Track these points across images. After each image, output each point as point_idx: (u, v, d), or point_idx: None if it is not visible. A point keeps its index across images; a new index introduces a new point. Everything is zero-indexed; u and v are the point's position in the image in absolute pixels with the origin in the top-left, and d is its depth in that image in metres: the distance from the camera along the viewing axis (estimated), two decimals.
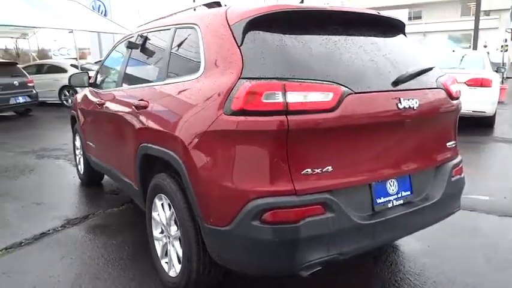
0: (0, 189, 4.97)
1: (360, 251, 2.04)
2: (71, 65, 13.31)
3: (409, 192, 2.26)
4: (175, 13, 2.96)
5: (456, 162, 2.50)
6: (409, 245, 3.10)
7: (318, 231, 1.86)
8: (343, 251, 1.96)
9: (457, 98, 2.45)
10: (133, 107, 2.75)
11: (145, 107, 2.58)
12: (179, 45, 2.53)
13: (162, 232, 2.58)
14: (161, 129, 2.35)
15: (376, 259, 2.89)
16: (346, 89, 1.90)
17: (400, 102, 2.04)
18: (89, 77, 4.19)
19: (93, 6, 19.36)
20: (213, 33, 2.19)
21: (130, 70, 3.22)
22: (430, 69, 2.31)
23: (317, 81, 1.86)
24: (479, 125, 8.05)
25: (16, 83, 10.43)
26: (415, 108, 2.10)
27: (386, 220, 2.10)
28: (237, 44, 1.99)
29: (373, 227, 2.03)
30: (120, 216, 3.89)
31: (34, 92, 11.09)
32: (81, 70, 11.40)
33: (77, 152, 4.99)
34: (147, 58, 3.04)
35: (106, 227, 3.59)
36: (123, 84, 3.24)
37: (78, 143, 4.89)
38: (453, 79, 2.48)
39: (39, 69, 13.60)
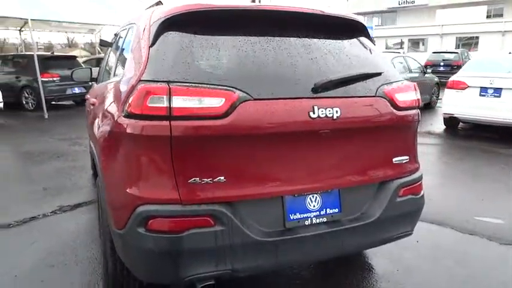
0: (23, 172, 5.44)
1: (260, 270, 1.91)
2: None
3: (336, 210, 2.06)
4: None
5: (406, 180, 2.22)
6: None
7: (204, 244, 1.77)
8: (235, 267, 1.84)
9: (406, 109, 2.18)
10: (90, 105, 2.83)
11: (94, 105, 2.64)
12: (124, 44, 2.54)
13: None
14: (91, 127, 2.38)
15: None
16: (244, 94, 1.77)
17: (313, 111, 1.86)
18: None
19: None
20: (137, 33, 2.17)
21: (105, 67, 3.31)
22: (368, 75, 2.07)
23: (211, 86, 1.75)
24: None
25: None
26: (334, 118, 1.90)
27: (298, 238, 1.93)
28: (148, 44, 1.95)
29: (276, 246, 1.88)
30: None
31: (90, 83, 11.87)
32: None
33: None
34: (113, 56, 3.10)
35: (92, 216, 3.74)
36: (99, 81, 3.35)
37: None
38: (406, 87, 2.21)
39: (98, 62, 14.55)
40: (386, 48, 28.89)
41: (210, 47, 1.89)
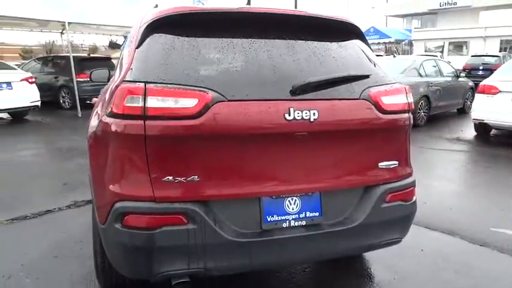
0: (50, 167, 5.73)
1: (234, 270, 1.92)
2: None
3: (317, 214, 2.04)
4: None
5: (394, 186, 2.16)
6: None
7: (176, 242, 1.80)
8: (208, 266, 1.86)
9: (394, 112, 2.12)
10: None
11: (93, 105, 2.75)
12: (124, 46, 2.63)
13: None
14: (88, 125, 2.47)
15: None
16: (218, 95, 1.79)
17: (289, 113, 1.85)
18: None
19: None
20: (130, 36, 2.25)
21: (116, 68, 3.43)
22: (352, 77, 2.04)
23: (186, 87, 1.78)
24: None
25: None
26: (312, 120, 1.88)
27: (275, 241, 1.93)
28: (135, 46, 2.01)
29: (250, 247, 1.89)
30: None
31: None
32: None
33: None
34: (119, 57, 3.21)
35: None
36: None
37: None
38: (395, 90, 2.14)
39: None
40: (425, 51, 28.02)
41: (190, 49, 1.93)
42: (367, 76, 2.09)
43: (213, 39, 1.99)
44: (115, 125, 1.81)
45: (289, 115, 1.85)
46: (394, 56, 10.62)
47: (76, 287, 2.58)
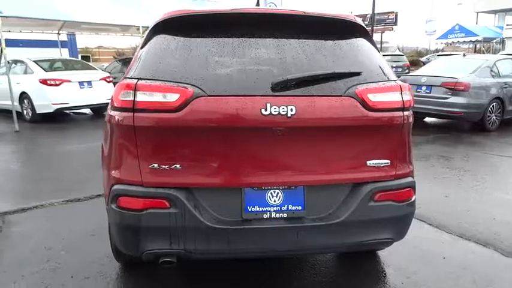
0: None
1: (213, 255, 2.05)
2: None
3: (300, 207, 2.09)
4: None
5: (385, 185, 2.13)
6: None
7: (159, 224, 1.99)
8: (187, 248, 2.02)
9: (383, 110, 2.08)
10: None
11: None
12: None
13: None
14: None
15: None
16: (199, 91, 1.93)
17: (265, 108, 1.93)
18: None
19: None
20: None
21: None
22: (336, 75, 2.04)
23: (170, 83, 1.95)
24: None
25: None
26: (289, 116, 1.94)
27: (253, 230, 2.03)
28: (140, 47, 2.24)
29: (228, 233, 2.01)
30: None
31: None
32: None
33: None
34: None
35: None
36: None
37: None
38: (385, 87, 2.10)
39: None
40: None
41: (181, 48, 2.08)
42: (357, 73, 2.09)
43: (203, 39, 2.11)
44: (114, 116, 2.04)
45: (266, 110, 1.93)
46: (464, 55, 9.89)
47: (97, 262, 2.89)
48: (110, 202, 2.08)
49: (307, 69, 2.06)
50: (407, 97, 2.16)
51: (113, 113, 2.07)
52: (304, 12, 2.21)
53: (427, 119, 9.05)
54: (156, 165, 1.98)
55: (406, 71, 19.47)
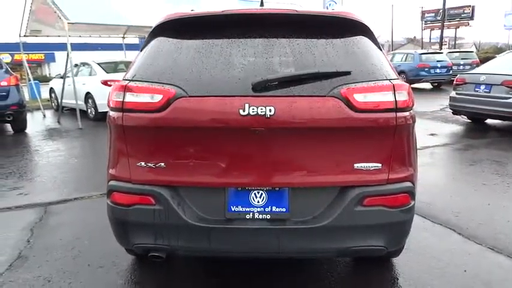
0: None
1: (195, 252, 2.10)
2: None
3: (284, 209, 2.07)
4: None
5: (374, 190, 2.03)
6: None
7: (144, 219, 2.08)
8: (171, 244, 2.09)
9: (370, 111, 1.97)
10: None
11: None
12: None
13: None
14: None
15: None
16: (181, 91, 1.98)
17: (244, 109, 1.93)
18: None
19: (327, 7, 20.85)
20: None
21: None
22: (320, 75, 1.98)
23: (154, 84, 2.03)
24: None
25: None
26: (268, 116, 1.92)
27: (235, 229, 2.05)
28: (140, 49, 2.35)
29: (209, 232, 2.04)
30: None
31: None
32: None
33: None
34: None
35: None
36: None
37: None
38: (374, 87, 1.99)
39: None
40: None
41: (173, 50, 2.14)
42: (346, 73, 2.01)
43: (193, 41, 2.16)
44: (110, 116, 2.17)
45: (244, 111, 1.93)
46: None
47: (114, 253, 3.07)
48: (107, 197, 2.22)
49: (294, 70, 2.03)
50: (402, 97, 2.03)
51: (109, 113, 2.20)
52: (297, 11, 2.18)
53: (489, 121, 8.35)
54: (143, 163, 2.08)
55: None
